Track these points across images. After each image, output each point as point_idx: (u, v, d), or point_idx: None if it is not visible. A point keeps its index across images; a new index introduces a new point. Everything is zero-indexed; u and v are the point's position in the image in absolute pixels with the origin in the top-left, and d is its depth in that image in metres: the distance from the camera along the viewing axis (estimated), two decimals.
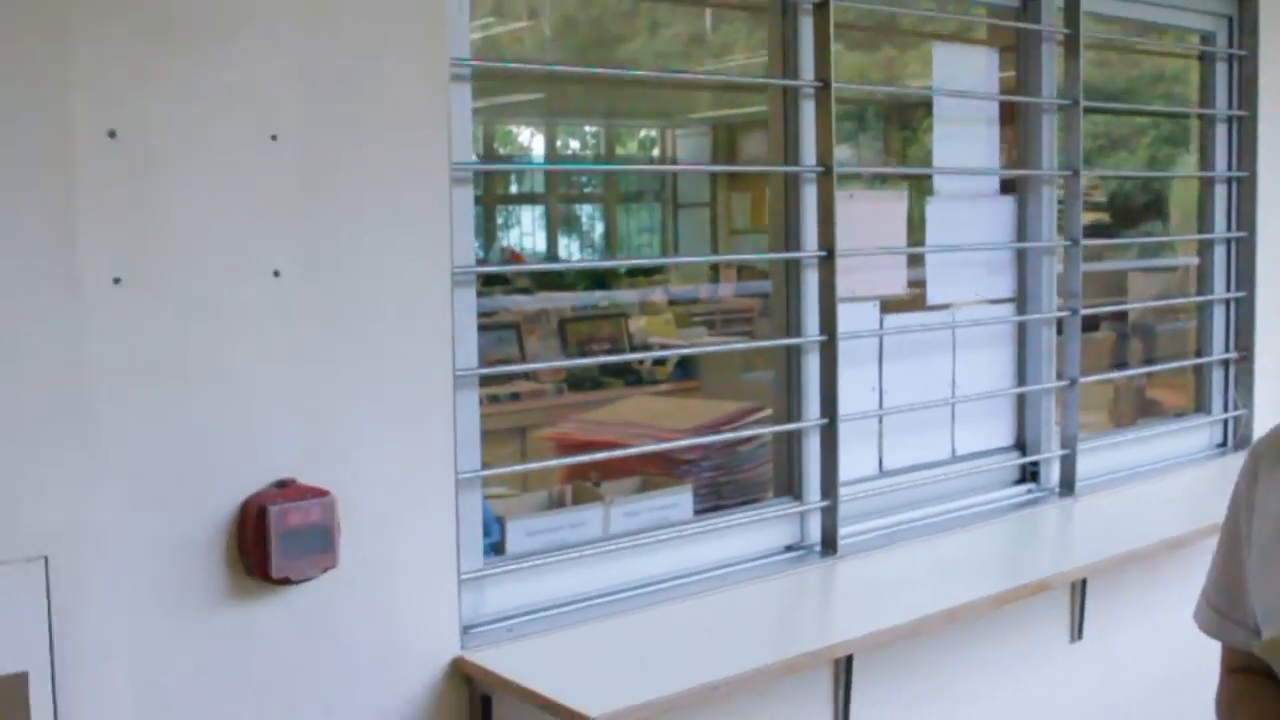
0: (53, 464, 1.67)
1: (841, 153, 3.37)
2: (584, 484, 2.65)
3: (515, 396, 4.66)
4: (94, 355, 1.70)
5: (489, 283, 4.95)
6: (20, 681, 1.65)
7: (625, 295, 5.63)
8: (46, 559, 1.66)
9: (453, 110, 2.02)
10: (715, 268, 6.03)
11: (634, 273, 5.87)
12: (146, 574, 1.75)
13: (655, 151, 7.67)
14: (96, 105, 1.69)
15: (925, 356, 2.90)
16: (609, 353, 5.05)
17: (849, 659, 2.33)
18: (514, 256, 6.96)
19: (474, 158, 2.19)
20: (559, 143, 7.43)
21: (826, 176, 2.55)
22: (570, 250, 7.56)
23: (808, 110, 2.57)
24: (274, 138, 1.83)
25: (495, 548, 2.25)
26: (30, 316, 1.66)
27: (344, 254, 1.91)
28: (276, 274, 1.85)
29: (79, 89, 1.68)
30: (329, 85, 1.88)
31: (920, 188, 3.04)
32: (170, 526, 1.77)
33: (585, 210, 7.84)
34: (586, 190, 7.80)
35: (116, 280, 1.71)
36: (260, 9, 1.82)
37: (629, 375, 4.96)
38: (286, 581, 1.84)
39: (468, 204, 2.10)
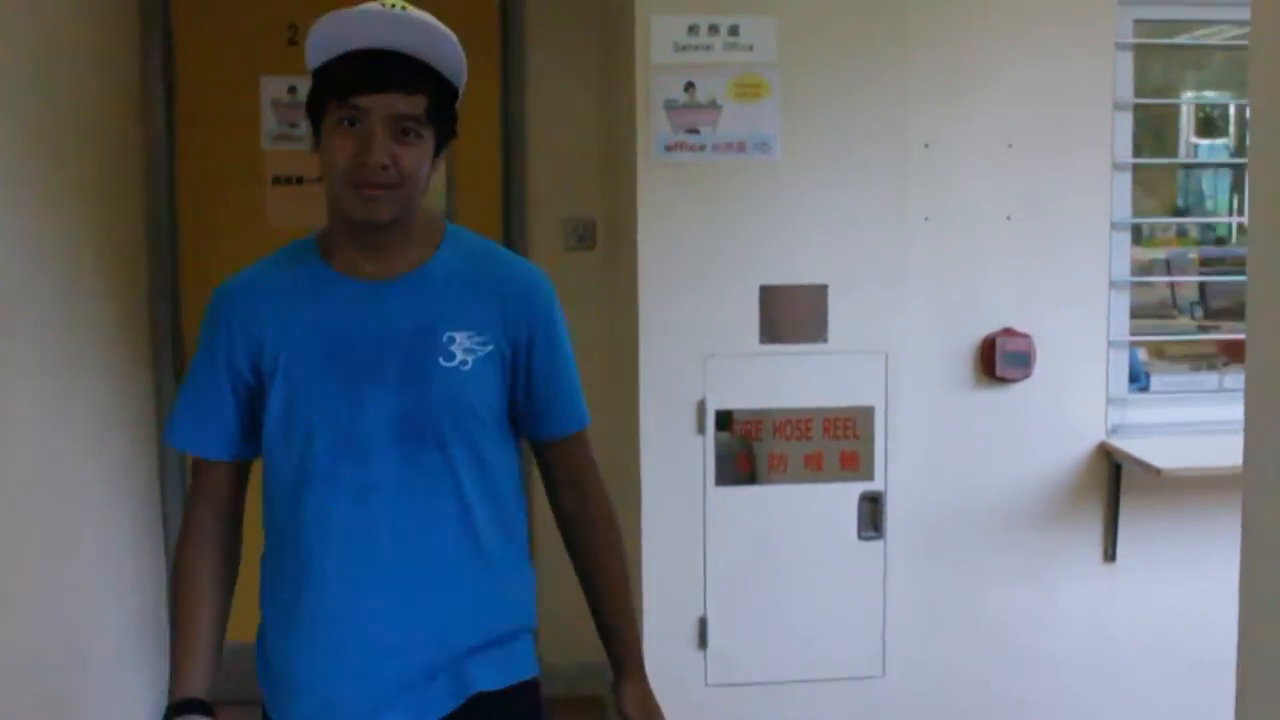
0: (891, 303, 3.43)
1: None
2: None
3: None
4: (914, 257, 3.43)
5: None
6: (869, 410, 3.44)
7: None
8: (886, 354, 3.43)
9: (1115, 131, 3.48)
10: None
11: None
12: (933, 366, 3.46)
13: None
14: (918, 129, 3.41)
15: None
16: None
17: None
18: None
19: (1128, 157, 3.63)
20: None
21: None
22: None
23: None
24: (1010, 145, 3.43)
25: (1143, 389, 3.68)
26: (878, 236, 3.42)
27: (1047, 206, 3.46)
28: (1008, 218, 3.46)
29: (910, 119, 3.40)
30: (1046, 112, 3.44)
31: None
32: (947, 343, 3.46)
33: None
34: None
35: (926, 218, 3.42)
36: (1007, 73, 3.42)
37: None
38: (1003, 380, 3.45)
39: (1125, 189, 3.56)
